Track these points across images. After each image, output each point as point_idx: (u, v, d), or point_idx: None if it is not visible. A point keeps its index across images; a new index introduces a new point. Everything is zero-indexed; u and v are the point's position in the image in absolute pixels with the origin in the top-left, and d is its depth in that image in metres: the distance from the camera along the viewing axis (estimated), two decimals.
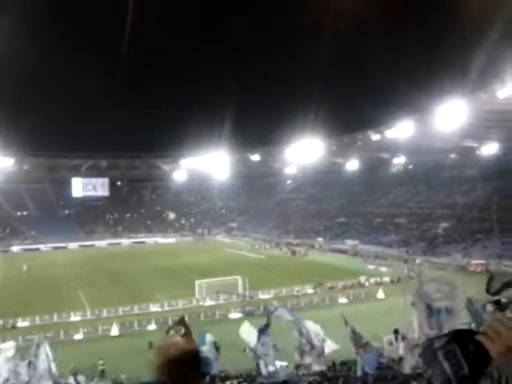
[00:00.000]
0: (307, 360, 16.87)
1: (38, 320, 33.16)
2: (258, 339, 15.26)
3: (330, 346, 15.61)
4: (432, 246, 64.27)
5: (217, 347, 14.52)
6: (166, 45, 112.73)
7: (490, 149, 77.23)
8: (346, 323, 15.90)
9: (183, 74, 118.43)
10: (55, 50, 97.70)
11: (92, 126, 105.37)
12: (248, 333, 16.04)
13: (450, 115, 63.59)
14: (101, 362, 23.10)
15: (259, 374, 16.61)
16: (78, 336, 29.80)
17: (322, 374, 15.91)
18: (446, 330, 9.15)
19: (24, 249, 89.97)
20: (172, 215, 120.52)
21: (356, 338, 15.89)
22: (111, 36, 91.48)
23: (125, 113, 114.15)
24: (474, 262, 52.51)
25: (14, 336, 28.81)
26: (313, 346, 14.39)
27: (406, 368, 13.33)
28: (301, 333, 15.35)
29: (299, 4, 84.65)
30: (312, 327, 15.56)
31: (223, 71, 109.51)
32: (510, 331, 1.24)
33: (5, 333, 30.58)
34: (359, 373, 14.41)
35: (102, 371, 22.82)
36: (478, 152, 79.83)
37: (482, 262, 51.89)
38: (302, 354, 16.72)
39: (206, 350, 14.48)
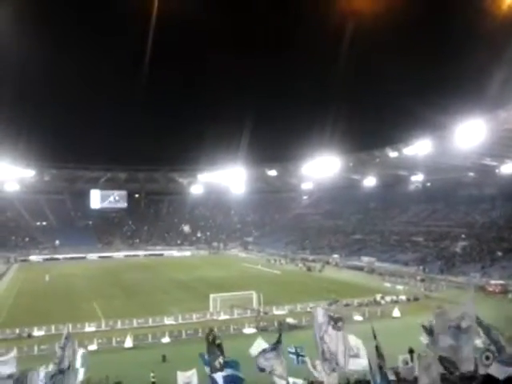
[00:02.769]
0: (320, 377, 16.73)
1: (53, 329, 33.39)
2: (262, 352, 15.15)
3: (359, 364, 15.30)
4: (449, 264, 63.39)
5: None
6: (185, 59, 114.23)
7: (509, 168, 76.25)
8: (375, 337, 15.73)
9: (202, 89, 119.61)
10: (77, 62, 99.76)
11: (111, 138, 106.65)
12: (258, 348, 15.92)
13: (469, 133, 63.10)
14: (152, 374, 23.10)
15: None
16: (93, 347, 29.93)
17: None
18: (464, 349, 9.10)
19: (42, 259, 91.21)
20: (188, 228, 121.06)
21: (378, 354, 15.69)
22: (133, 50, 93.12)
23: (144, 127, 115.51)
24: (492, 282, 51.61)
25: (30, 345, 29.19)
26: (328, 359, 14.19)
27: None
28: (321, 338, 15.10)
29: (317, 18, 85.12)
30: (351, 339, 15.27)
31: (242, 86, 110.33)
32: None
33: (21, 341, 30.95)
34: None
35: (153, 383, 22.82)
36: (497, 171, 78.84)
37: (502, 282, 51.00)
38: (315, 366, 16.60)
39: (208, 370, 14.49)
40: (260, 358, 15.19)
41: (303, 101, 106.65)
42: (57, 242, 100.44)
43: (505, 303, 43.36)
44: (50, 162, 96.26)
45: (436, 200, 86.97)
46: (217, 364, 14.00)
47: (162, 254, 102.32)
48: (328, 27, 77.04)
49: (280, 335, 15.56)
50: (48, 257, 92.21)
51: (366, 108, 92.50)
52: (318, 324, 14.40)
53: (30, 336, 33.28)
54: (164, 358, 27.24)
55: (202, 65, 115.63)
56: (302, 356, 16.96)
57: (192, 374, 17.41)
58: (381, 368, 15.66)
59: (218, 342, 14.78)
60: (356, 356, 15.06)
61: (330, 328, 13.78)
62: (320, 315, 14.25)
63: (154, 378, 22.83)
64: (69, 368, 12.47)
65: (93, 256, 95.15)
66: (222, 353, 14.38)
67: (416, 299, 45.42)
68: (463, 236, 71.04)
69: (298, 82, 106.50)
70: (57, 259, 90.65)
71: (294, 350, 17.15)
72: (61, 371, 12.00)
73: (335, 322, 13.86)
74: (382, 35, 71.59)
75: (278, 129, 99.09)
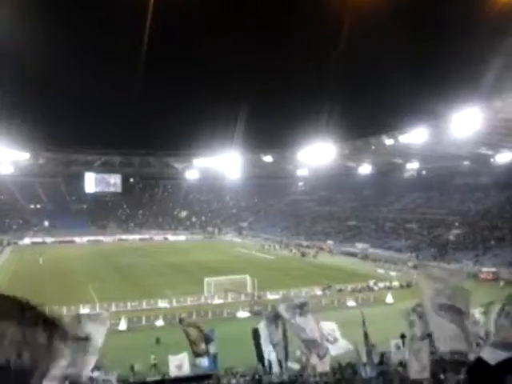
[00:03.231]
0: (313, 360, 16.91)
1: (47, 311, 33.42)
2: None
3: (341, 348, 15.48)
4: (443, 252, 63.84)
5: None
6: (182, 44, 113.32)
7: (504, 157, 76.48)
8: (364, 323, 15.87)
9: (199, 74, 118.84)
10: (71, 45, 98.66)
11: (107, 122, 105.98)
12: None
13: (465, 122, 63.12)
14: (153, 356, 23.32)
15: (266, 373, 16.69)
16: None
17: (326, 375, 15.96)
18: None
19: (36, 241, 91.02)
20: (183, 213, 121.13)
21: (366, 342, 15.89)
22: (128, 32, 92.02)
23: (139, 111, 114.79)
24: (485, 269, 52.09)
25: None
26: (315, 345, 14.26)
27: (412, 372, 13.34)
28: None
29: (313, 4, 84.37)
30: (325, 325, 15.40)
31: (238, 71, 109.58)
32: None
33: None
34: (364, 375, 14.45)
35: (155, 365, 23.02)
36: (492, 160, 79.08)
37: (494, 270, 51.49)
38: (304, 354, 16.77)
39: (213, 345, 14.61)
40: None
41: (300, 87, 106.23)
42: (46, 222, 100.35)
43: (496, 290, 43.75)
44: (45, 145, 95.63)
45: (431, 188, 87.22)
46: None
47: (156, 239, 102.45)
48: (324, 13, 76.38)
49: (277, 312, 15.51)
50: (42, 240, 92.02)
51: (363, 95, 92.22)
52: (286, 319, 14.45)
53: None
54: (158, 341, 27.44)
55: (198, 49, 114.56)
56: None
57: (183, 357, 17.62)
58: (369, 353, 15.88)
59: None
60: (334, 341, 15.20)
61: (297, 316, 13.70)
62: (284, 311, 14.19)
63: (155, 359, 23.05)
64: None
65: (87, 239, 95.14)
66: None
67: (409, 286, 45.79)
68: (457, 224, 71.45)
69: (295, 69, 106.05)
70: (51, 242, 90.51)
71: None
72: None
73: (300, 308, 13.75)
74: (378, 22, 71.07)
75: (274, 115, 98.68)
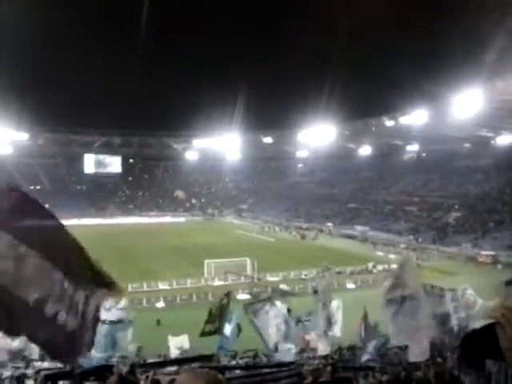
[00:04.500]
0: (311, 344, 17.10)
1: None
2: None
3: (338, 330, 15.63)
4: (442, 235, 64.07)
5: (239, 328, 14.70)
6: (180, 23, 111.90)
7: (505, 139, 76.25)
8: (366, 313, 16.00)
9: (198, 54, 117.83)
10: (68, 23, 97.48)
11: (106, 102, 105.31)
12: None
13: (466, 104, 62.77)
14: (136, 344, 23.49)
15: (267, 355, 16.79)
16: None
17: (326, 358, 16.10)
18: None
19: None
20: (183, 195, 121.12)
21: (365, 325, 16.01)
22: (128, 12, 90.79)
23: (139, 91, 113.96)
24: (483, 252, 52.31)
25: None
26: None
27: (411, 356, 13.44)
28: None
29: None
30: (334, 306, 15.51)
31: (238, 52, 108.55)
32: None
33: None
34: (364, 358, 14.55)
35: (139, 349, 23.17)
36: (492, 142, 78.87)
37: (492, 253, 51.70)
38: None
39: (228, 328, 14.62)
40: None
41: (300, 68, 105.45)
42: (45, 204, 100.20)
43: (494, 273, 44.02)
44: (44, 126, 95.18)
45: (430, 170, 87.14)
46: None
47: (156, 220, 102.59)
48: None
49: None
50: None
51: (364, 76, 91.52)
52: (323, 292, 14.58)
53: None
54: (158, 322, 27.68)
55: (198, 29, 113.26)
56: (302, 321, 17.21)
57: (183, 339, 17.77)
58: (369, 336, 15.99)
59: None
60: (336, 322, 15.36)
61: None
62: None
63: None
64: None
65: (86, 221, 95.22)
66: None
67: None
68: (456, 207, 71.55)
69: (295, 49, 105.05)
70: None
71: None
72: None
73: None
74: (379, 2, 70.23)
75: (274, 95, 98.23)
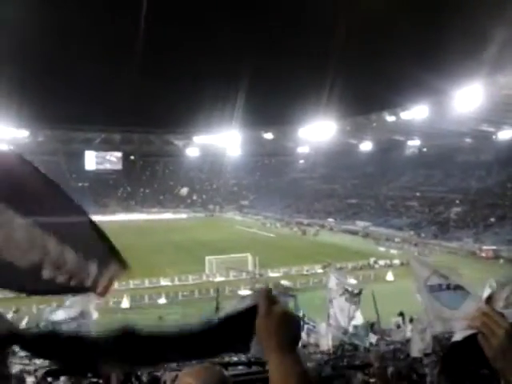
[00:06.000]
0: (312, 339, 17.07)
1: None
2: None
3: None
4: (443, 230, 63.95)
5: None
6: (180, 20, 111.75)
7: (506, 134, 76.03)
8: (375, 303, 15.95)
9: (198, 50, 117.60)
10: (69, 20, 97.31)
11: (106, 99, 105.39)
12: None
13: (467, 99, 62.56)
14: None
15: None
16: None
17: (328, 353, 16.07)
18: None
19: None
20: (184, 191, 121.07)
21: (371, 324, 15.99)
22: (127, 9, 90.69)
23: (139, 88, 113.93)
24: (485, 247, 52.23)
25: (29, 303, 29.36)
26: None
27: (415, 351, 13.39)
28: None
29: None
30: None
31: (239, 47, 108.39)
32: (504, 330, 1.23)
33: (21, 300, 31.16)
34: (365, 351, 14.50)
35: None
36: (494, 137, 78.64)
37: (493, 247, 51.62)
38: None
39: None
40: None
41: (301, 63, 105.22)
42: None
43: (495, 268, 43.95)
44: (44, 123, 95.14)
45: (432, 165, 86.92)
46: None
47: (157, 217, 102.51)
48: None
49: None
50: None
51: (365, 71, 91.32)
52: (328, 288, 14.50)
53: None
54: (160, 318, 27.65)
55: (198, 24, 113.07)
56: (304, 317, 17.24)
57: None
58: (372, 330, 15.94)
59: None
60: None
61: (343, 300, 13.53)
62: (332, 282, 14.21)
63: None
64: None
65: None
66: None
67: (409, 263, 45.85)
68: (457, 202, 71.40)
69: (297, 44, 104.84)
70: None
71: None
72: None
73: (352, 295, 13.39)
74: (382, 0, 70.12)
75: (274, 91, 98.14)
